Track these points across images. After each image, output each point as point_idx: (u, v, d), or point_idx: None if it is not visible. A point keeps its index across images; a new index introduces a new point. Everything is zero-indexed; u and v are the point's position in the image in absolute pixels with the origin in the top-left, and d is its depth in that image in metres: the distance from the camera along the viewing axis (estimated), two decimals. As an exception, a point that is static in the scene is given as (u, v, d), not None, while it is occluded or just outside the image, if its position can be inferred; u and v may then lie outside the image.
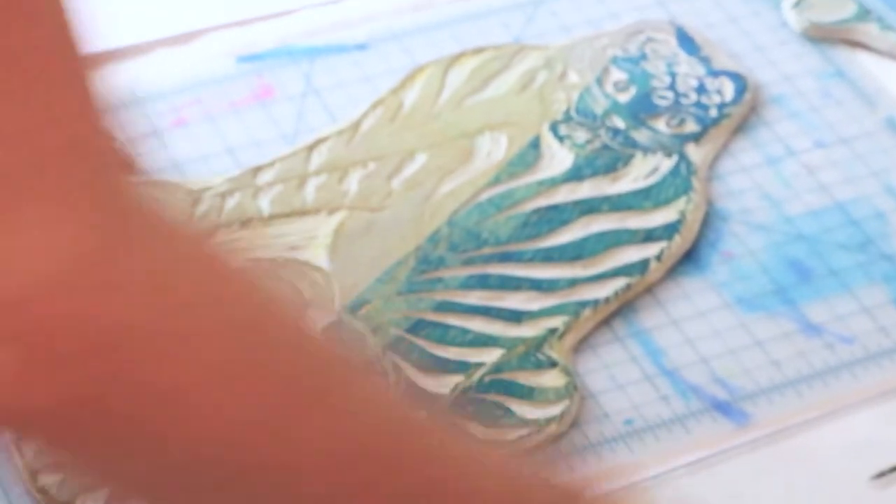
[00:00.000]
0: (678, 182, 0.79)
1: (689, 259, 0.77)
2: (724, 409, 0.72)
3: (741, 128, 0.83)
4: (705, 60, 0.85)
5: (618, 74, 0.84)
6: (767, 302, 0.76)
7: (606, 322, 0.75)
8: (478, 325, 0.73)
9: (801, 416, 0.72)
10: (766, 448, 0.71)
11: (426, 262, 0.76)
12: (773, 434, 0.71)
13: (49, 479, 0.67)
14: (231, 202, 0.78)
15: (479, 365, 0.72)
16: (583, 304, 0.74)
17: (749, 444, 0.71)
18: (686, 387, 0.73)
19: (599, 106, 0.83)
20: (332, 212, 0.77)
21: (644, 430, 0.71)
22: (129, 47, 0.85)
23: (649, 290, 0.76)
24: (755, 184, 0.80)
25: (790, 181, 0.81)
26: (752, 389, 0.72)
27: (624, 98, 0.83)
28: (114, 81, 0.83)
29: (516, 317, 0.74)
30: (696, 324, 0.75)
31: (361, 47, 0.86)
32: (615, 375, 0.73)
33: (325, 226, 0.77)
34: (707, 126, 0.82)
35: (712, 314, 0.75)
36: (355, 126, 0.82)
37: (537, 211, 0.78)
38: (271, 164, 0.80)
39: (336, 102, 0.83)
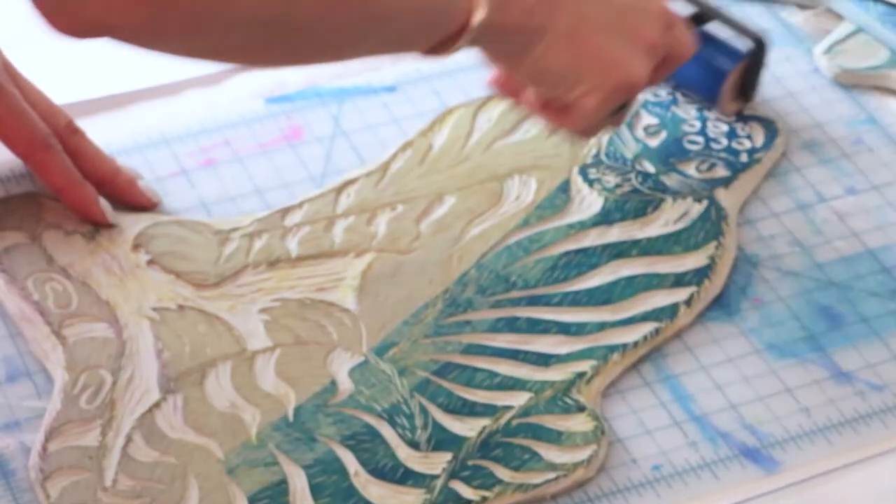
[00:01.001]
0: (708, 227, 0.79)
1: (719, 304, 0.77)
2: (753, 455, 0.72)
3: (772, 173, 0.83)
4: None
5: (648, 119, 0.84)
6: (797, 348, 0.75)
7: (635, 367, 0.74)
8: (506, 368, 0.73)
9: (831, 464, 0.71)
10: (796, 495, 0.70)
11: (454, 305, 0.75)
12: (803, 481, 0.71)
13: (72, 519, 0.68)
14: (259, 243, 0.78)
15: (507, 408, 0.72)
16: (611, 349, 0.74)
17: (778, 491, 0.71)
18: (715, 433, 0.72)
19: (629, 150, 0.83)
20: (359, 254, 0.77)
21: (672, 476, 0.71)
22: (158, 87, 0.85)
23: (678, 335, 0.76)
24: (786, 230, 0.80)
25: (821, 227, 0.81)
26: (782, 436, 0.72)
27: (654, 142, 0.83)
28: (143, 122, 0.84)
29: (544, 360, 0.74)
30: (726, 369, 0.75)
31: (390, 89, 0.86)
32: (644, 420, 0.73)
33: (352, 268, 0.77)
34: (737, 171, 0.82)
35: (742, 360, 0.75)
36: (384, 168, 0.82)
37: (566, 255, 0.78)
38: (299, 205, 0.80)
39: (364, 144, 0.83)
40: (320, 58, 0.69)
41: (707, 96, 0.83)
